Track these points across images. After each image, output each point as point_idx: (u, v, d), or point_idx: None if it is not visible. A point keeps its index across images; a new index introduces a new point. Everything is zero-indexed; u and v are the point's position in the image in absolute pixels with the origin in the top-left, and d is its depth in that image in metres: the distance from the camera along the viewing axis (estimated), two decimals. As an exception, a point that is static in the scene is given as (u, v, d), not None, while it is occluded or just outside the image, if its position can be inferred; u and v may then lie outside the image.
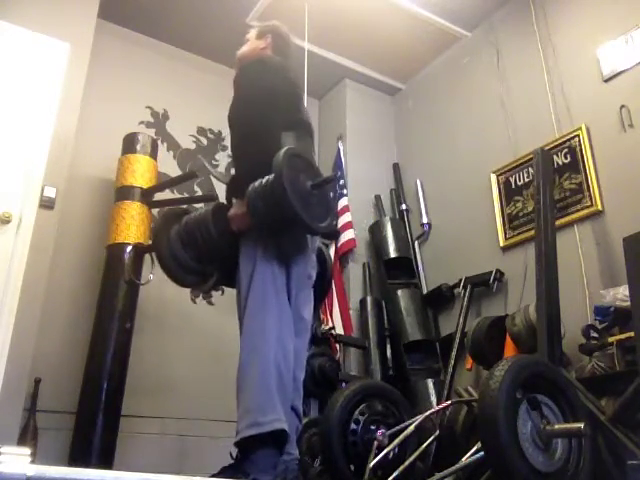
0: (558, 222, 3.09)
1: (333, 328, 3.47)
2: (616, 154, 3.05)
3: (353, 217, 4.00)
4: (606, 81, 3.16)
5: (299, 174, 1.83)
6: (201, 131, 4.11)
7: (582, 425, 1.55)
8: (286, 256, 1.91)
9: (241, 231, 1.94)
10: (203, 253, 2.02)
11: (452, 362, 3.35)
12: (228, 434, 2.00)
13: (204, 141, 4.11)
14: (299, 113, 2.12)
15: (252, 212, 1.84)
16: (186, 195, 3.84)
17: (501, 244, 3.52)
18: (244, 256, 1.91)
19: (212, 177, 3.97)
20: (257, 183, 1.83)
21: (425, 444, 1.97)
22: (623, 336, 2.49)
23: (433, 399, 3.36)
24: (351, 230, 3.96)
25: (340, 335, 3.54)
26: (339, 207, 4.02)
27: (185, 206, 2.53)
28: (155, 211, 3.41)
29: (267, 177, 1.81)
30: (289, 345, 1.84)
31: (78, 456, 2.71)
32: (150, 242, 2.08)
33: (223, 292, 2.92)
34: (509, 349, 2.87)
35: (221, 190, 4.02)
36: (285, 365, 1.80)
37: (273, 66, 2.13)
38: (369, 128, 4.54)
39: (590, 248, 3.04)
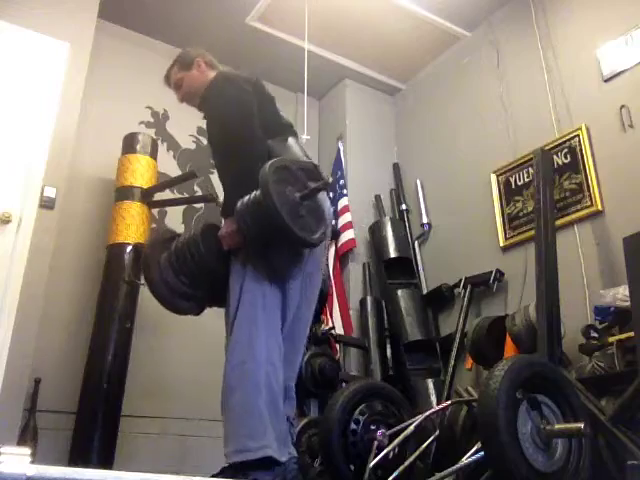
0: (558, 222, 3.09)
1: (333, 328, 3.47)
2: (616, 154, 3.05)
3: (353, 217, 4.00)
4: (606, 81, 3.16)
5: (287, 186, 1.80)
6: (201, 131, 4.11)
7: (582, 425, 1.55)
8: (280, 271, 1.89)
9: (232, 249, 1.90)
10: (194, 276, 1.96)
11: (452, 362, 3.35)
12: (228, 434, 1.99)
13: (204, 141, 4.11)
14: (278, 117, 2.11)
15: (242, 228, 1.81)
16: (186, 195, 3.84)
17: (501, 244, 3.52)
18: (234, 273, 1.89)
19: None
20: (246, 199, 1.80)
21: (425, 444, 1.97)
22: (623, 336, 2.49)
23: (433, 399, 3.36)
24: (351, 230, 3.96)
25: (340, 335, 3.54)
26: (339, 207, 4.03)
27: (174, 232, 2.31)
28: (155, 210, 3.41)
29: (255, 192, 1.78)
30: (278, 362, 1.81)
31: (78, 456, 2.71)
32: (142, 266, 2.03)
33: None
34: (509, 349, 2.87)
35: (221, 188, 4.03)
36: (277, 385, 1.78)
37: (237, 78, 2.11)
38: (369, 128, 4.54)
39: (590, 248, 3.04)
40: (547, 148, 3.31)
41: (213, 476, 1.75)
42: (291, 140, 2.09)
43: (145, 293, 3.24)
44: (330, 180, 1.85)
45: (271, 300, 1.85)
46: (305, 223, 1.82)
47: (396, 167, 4.47)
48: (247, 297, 1.83)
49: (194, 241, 1.95)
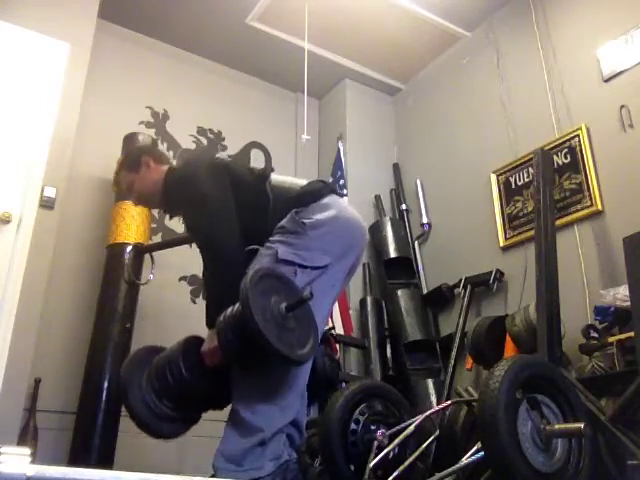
0: (558, 222, 3.09)
1: (333, 328, 3.47)
2: (616, 154, 3.05)
3: (353, 217, 4.00)
4: (606, 81, 3.16)
5: (272, 296, 1.66)
6: (201, 131, 4.11)
7: (582, 425, 1.54)
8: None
9: (216, 367, 1.78)
10: (178, 398, 1.81)
11: (452, 362, 3.35)
12: (228, 434, 1.99)
13: (204, 141, 4.11)
14: (246, 186, 1.98)
15: (224, 346, 1.70)
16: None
17: (501, 244, 3.52)
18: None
19: None
20: (228, 311, 1.69)
21: (425, 444, 1.97)
22: (623, 336, 2.49)
23: (433, 399, 3.37)
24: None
25: (340, 335, 3.53)
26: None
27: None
28: (155, 210, 3.41)
29: (236, 306, 1.66)
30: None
31: (78, 456, 2.71)
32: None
33: None
34: (509, 349, 2.87)
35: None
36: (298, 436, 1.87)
37: (197, 160, 2.08)
38: (369, 128, 4.54)
39: (590, 248, 3.04)
40: (547, 148, 3.31)
41: (213, 476, 1.75)
42: (274, 177, 2.03)
43: (145, 293, 3.25)
44: (311, 294, 1.69)
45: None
46: (293, 337, 1.67)
47: (396, 167, 4.47)
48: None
49: (175, 360, 1.80)
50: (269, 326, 1.59)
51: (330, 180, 4.22)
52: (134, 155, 2.21)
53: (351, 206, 2.14)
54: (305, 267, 1.85)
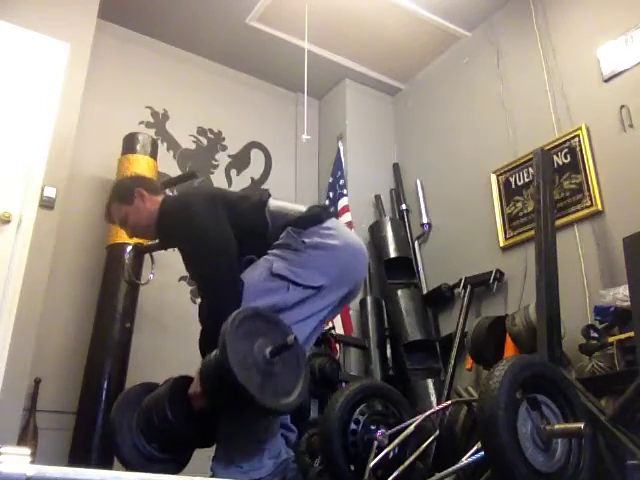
0: (558, 222, 3.09)
1: (333, 328, 3.47)
2: (616, 154, 3.05)
3: (353, 217, 4.00)
4: (606, 81, 3.16)
5: (256, 339, 1.59)
6: (201, 131, 4.11)
7: (582, 425, 1.55)
8: None
9: (204, 410, 1.74)
10: (165, 442, 1.78)
11: (452, 362, 3.34)
12: (228, 434, 1.99)
13: (204, 141, 4.12)
14: (243, 214, 1.97)
15: (206, 394, 1.67)
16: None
17: (501, 244, 3.52)
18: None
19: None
20: (213, 355, 1.61)
21: (425, 444, 1.97)
22: (623, 336, 2.49)
23: (433, 399, 3.36)
24: (351, 230, 3.96)
25: (340, 335, 3.53)
26: (339, 207, 4.03)
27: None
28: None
29: (216, 351, 1.59)
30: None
31: (78, 456, 2.71)
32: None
33: None
34: (509, 349, 2.87)
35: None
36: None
37: (187, 195, 2.07)
38: (369, 128, 4.54)
39: (590, 248, 3.04)
40: (547, 148, 3.31)
41: (213, 476, 1.75)
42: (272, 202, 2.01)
43: (145, 293, 3.25)
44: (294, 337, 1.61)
45: None
46: (278, 383, 1.60)
47: (396, 167, 4.47)
48: None
49: (161, 403, 1.76)
50: (250, 375, 1.53)
51: (330, 179, 4.22)
52: (126, 186, 2.15)
53: (353, 232, 2.11)
54: (298, 284, 1.83)
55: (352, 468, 1.88)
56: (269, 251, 1.90)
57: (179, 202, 2.05)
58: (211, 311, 1.80)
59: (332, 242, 1.90)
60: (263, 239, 1.92)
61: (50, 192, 2.96)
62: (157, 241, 2.20)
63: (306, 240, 1.88)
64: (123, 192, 2.12)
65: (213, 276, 1.80)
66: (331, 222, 1.98)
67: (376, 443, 1.90)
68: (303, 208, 2.02)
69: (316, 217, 1.97)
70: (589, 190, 3.11)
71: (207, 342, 1.76)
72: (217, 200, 1.95)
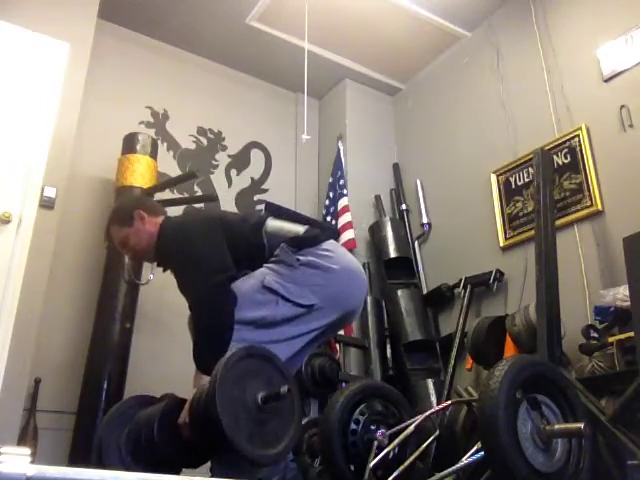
0: (558, 222, 3.09)
1: (333, 328, 3.46)
2: (616, 154, 3.05)
3: (353, 217, 4.00)
4: (606, 81, 3.16)
5: (249, 381, 1.52)
6: (201, 131, 4.11)
7: (582, 425, 1.55)
8: None
9: (191, 441, 1.69)
10: (148, 459, 1.72)
11: (452, 362, 3.34)
12: (228, 434, 1.99)
13: (204, 141, 4.12)
14: (241, 237, 1.96)
15: (193, 430, 1.63)
16: (186, 195, 3.84)
17: (501, 244, 3.52)
18: None
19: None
20: (206, 389, 1.54)
21: (425, 444, 1.97)
22: (623, 336, 2.49)
23: (433, 399, 3.36)
24: (351, 230, 3.96)
25: (340, 335, 3.53)
26: (339, 207, 4.03)
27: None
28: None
29: (206, 391, 1.51)
30: None
31: (78, 456, 2.71)
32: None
33: None
34: (509, 349, 2.87)
35: (220, 188, 4.04)
36: None
37: (186, 220, 2.07)
38: (369, 128, 4.54)
39: (590, 248, 3.04)
40: (547, 148, 3.31)
41: (213, 476, 1.75)
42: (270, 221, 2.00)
43: (145, 293, 3.25)
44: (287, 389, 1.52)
45: None
46: (269, 432, 1.54)
47: (396, 167, 4.47)
48: None
49: (151, 424, 1.70)
50: (239, 425, 1.46)
51: (330, 179, 4.22)
52: (126, 209, 2.13)
53: (350, 254, 2.11)
54: (288, 300, 1.82)
55: (352, 468, 1.88)
56: (265, 264, 1.91)
57: (178, 226, 2.04)
58: (199, 337, 1.80)
59: (328, 264, 1.89)
60: (261, 260, 1.92)
61: (50, 192, 2.96)
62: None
63: (301, 258, 1.88)
64: (123, 214, 2.10)
65: (206, 306, 1.80)
66: (329, 244, 1.97)
67: (376, 443, 1.90)
68: (302, 229, 2.00)
69: (313, 238, 1.96)
70: (589, 190, 3.11)
71: (198, 362, 1.77)
72: (216, 224, 1.95)
